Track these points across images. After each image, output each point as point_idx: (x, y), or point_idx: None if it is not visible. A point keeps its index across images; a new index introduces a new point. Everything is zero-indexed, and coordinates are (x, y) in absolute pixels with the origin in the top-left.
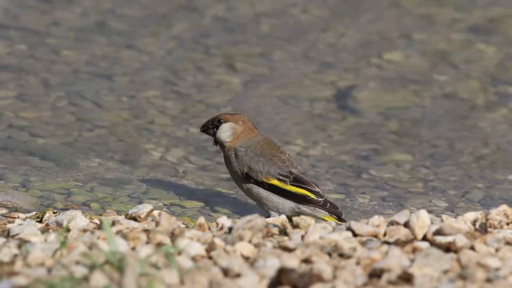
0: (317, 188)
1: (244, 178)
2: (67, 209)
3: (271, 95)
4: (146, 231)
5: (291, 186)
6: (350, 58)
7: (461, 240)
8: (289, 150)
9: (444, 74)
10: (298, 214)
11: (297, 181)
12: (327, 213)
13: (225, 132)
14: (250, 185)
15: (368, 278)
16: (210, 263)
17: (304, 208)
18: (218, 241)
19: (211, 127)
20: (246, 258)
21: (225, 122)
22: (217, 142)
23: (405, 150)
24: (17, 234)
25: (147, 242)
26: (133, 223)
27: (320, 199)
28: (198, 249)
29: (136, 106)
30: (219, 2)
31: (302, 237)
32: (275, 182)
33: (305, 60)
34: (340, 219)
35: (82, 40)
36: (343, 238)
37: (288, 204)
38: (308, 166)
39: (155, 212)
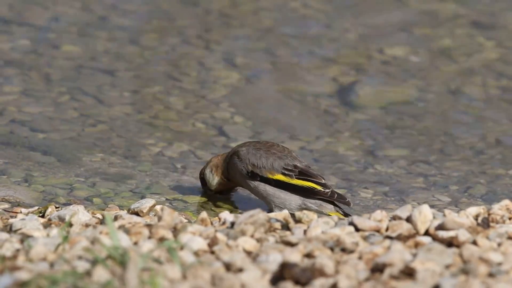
0: (323, 180)
1: (250, 176)
2: (70, 204)
3: (273, 90)
4: (149, 226)
5: (297, 180)
6: (353, 53)
7: (463, 235)
8: (292, 145)
9: (445, 69)
10: (306, 207)
11: (303, 174)
12: (333, 208)
13: (212, 180)
14: (256, 183)
15: (371, 272)
16: (212, 258)
17: (310, 204)
18: (220, 236)
19: (203, 184)
20: (248, 253)
21: (203, 175)
22: (217, 187)
23: (407, 145)
24: (20, 229)
25: (150, 237)
26: (135, 218)
27: (327, 191)
28: (200, 243)
29: (138, 101)
30: None
31: (305, 231)
32: (280, 177)
33: (307, 55)
34: (345, 214)
35: (84, 35)
36: (345, 233)
37: (295, 200)
38: (311, 161)
39: (158, 207)
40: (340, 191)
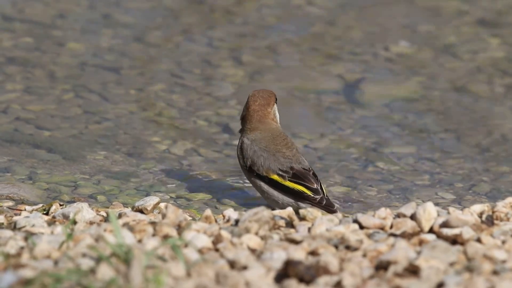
0: (315, 185)
1: (248, 170)
2: (74, 202)
3: (277, 87)
4: (153, 223)
5: (289, 182)
6: (357, 50)
7: (467, 232)
8: (296, 143)
9: (450, 66)
10: (298, 209)
11: (296, 177)
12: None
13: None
14: (253, 178)
15: (375, 270)
16: (216, 256)
17: (302, 204)
18: (224, 234)
19: None
20: (252, 251)
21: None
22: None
23: (412, 143)
24: (24, 227)
25: (154, 235)
26: (139, 216)
27: (317, 197)
28: (204, 241)
29: (142, 98)
30: None
31: (309, 229)
32: (274, 177)
33: (311, 53)
34: None
35: (88, 32)
36: (349, 231)
37: (287, 199)
38: (315, 158)
39: (162, 205)
40: (344, 189)
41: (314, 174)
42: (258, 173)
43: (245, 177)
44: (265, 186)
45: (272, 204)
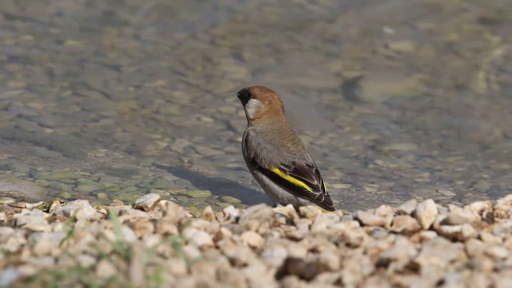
0: (315, 182)
1: (251, 162)
2: (74, 199)
3: (278, 85)
4: (153, 221)
5: (290, 177)
6: (357, 48)
7: (468, 230)
8: None
9: (451, 64)
10: (298, 204)
11: (297, 172)
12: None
13: (251, 108)
14: (255, 171)
15: (375, 267)
16: (217, 253)
17: (302, 200)
18: (225, 231)
19: (244, 97)
20: (253, 248)
21: (254, 98)
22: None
23: (412, 140)
24: (24, 224)
25: (154, 232)
26: (140, 213)
27: (316, 193)
28: (205, 238)
29: (143, 96)
30: None
31: (309, 226)
32: (276, 170)
33: (312, 50)
34: None
35: (87, 30)
36: (350, 228)
37: (287, 194)
38: (316, 156)
39: (162, 202)
40: (344, 186)
41: (317, 171)
42: (260, 165)
43: (245, 175)
44: (266, 179)
45: (272, 198)
